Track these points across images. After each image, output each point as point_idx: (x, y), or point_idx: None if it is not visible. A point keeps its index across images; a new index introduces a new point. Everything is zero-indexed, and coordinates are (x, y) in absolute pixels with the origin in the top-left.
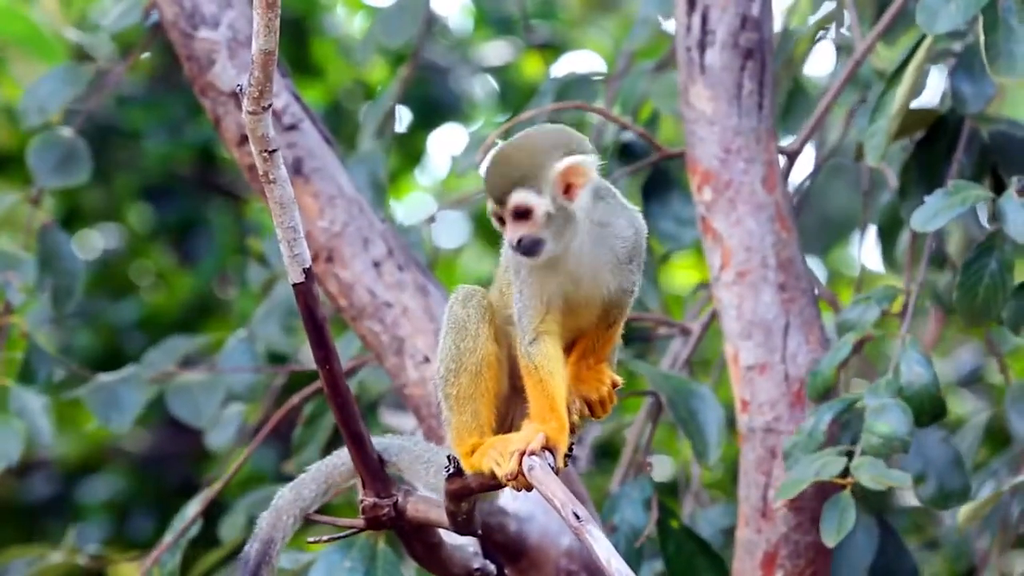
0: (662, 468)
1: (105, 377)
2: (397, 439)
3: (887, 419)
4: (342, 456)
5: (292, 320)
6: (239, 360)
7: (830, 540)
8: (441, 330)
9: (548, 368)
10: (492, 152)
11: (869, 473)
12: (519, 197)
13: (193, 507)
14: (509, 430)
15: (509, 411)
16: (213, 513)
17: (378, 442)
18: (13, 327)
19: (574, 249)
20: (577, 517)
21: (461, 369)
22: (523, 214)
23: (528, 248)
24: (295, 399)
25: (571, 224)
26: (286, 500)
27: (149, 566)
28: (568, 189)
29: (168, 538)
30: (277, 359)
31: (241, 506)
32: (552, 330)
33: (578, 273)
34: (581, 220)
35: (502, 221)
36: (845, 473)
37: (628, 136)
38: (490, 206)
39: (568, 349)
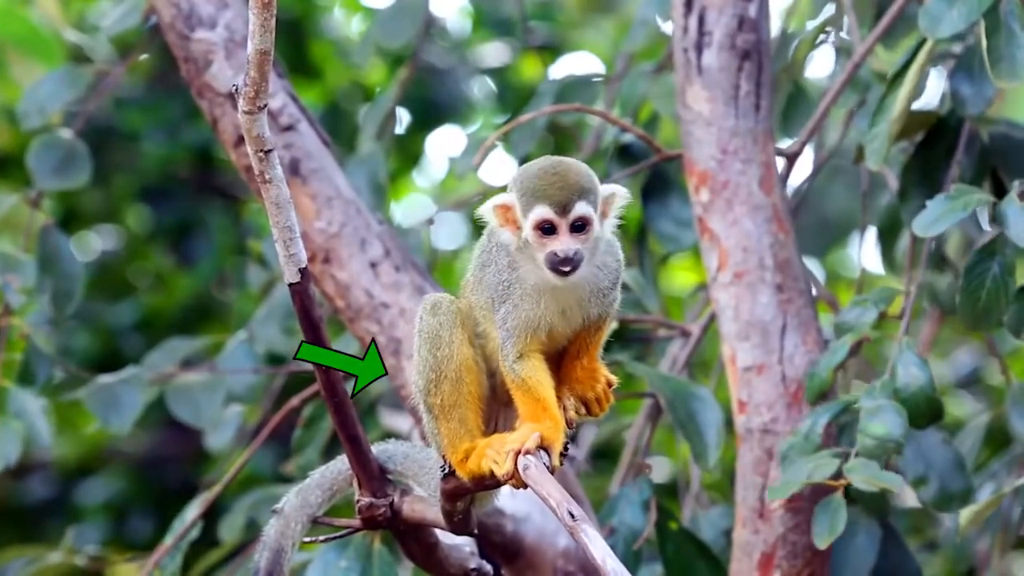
0: (661, 470)
1: (105, 378)
2: (402, 446)
3: (882, 420)
4: (346, 461)
5: (292, 321)
6: (239, 361)
7: (821, 542)
8: (414, 343)
9: (536, 378)
10: (538, 165)
11: (862, 475)
12: (583, 208)
13: (192, 510)
14: (495, 432)
15: (491, 413)
16: (212, 513)
17: (383, 449)
18: (13, 329)
19: (571, 278)
20: (572, 516)
21: (442, 378)
22: (581, 227)
23: (575, 263)
24: (295, 401)
25: (596, 250)
26: (292, 506)
27: (150, 569)
28: (603, 215)
29: (168, 540)
30: (277, 360)
31: (240, 506)
32: (535, 348)
33: (567, 302)
34: (599, 249)
35: (546, 232)
36: (839, 475)
37: (628, 138)
38: (541, 214)
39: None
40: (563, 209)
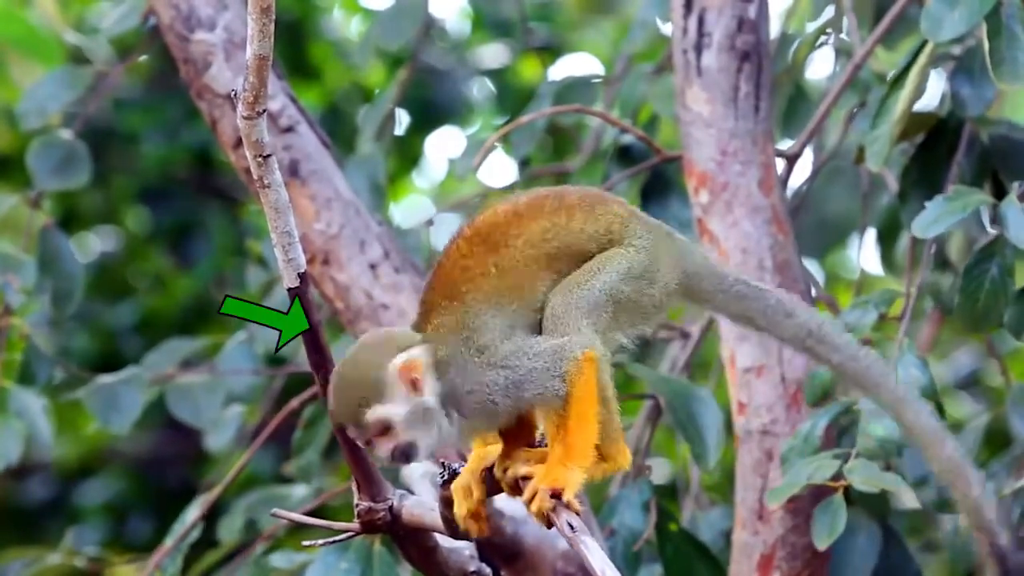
0: (661, 471)
1: (105, 378)
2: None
3: (882, 422)
4: None
5: None
6: (239, 362)
7: (821, 543)
8: None
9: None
10: (330, 386)
11: (862, 476)
12: (374, 415)
13: (193, 511)
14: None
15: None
16: (212, 514)
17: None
18: (13, 329)
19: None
20: (571, 527)
21: None
22: (385, 429)
23: (404, 457)
24: (294, 402)
25: (432, 415)
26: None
27: (150, 570)
28: (414, 384)
29: (168, 542)
30: (277, 361)
31: (240, 507)
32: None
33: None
34: (438, 409)
35: (368, 442)
36: (838, 476)
37: (627, 139)
38: (351, 434)
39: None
40: (360, 426)
